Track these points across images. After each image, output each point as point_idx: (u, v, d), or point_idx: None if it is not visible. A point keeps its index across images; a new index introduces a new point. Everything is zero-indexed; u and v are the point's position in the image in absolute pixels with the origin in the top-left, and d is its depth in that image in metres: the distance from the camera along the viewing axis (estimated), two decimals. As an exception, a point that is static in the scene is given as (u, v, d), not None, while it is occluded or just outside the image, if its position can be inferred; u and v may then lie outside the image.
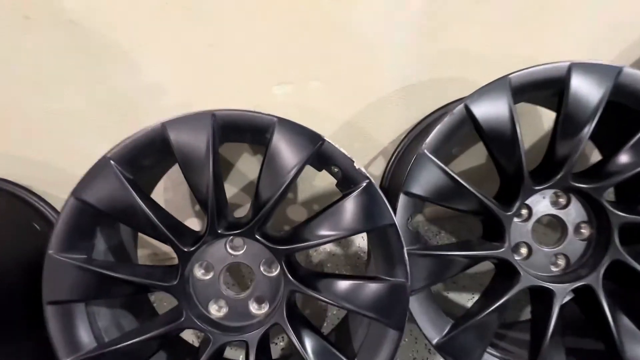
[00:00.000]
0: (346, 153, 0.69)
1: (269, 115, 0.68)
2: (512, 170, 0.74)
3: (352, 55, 0.90)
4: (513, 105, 0.71)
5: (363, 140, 1.07)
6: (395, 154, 1.03)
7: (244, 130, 0.68)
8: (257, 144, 0.72)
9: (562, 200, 0.79)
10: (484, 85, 0.72)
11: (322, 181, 1.14)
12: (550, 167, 0.76)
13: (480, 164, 1.20)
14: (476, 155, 1.18)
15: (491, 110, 0.71)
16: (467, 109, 0.71)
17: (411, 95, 1.00)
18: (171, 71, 0.87)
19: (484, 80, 0.99)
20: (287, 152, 0.68)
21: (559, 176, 0.73)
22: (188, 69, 0.88)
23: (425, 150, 0.71)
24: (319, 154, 0.69)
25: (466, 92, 1.02)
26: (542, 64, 0.71)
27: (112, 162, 0.67)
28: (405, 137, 1.04)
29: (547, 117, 1.11)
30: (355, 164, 0.69)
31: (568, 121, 0.71)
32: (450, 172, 0.72)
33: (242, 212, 1.16)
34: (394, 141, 1.09)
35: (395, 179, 0.97)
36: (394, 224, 0.69)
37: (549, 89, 0.72)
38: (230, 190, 1.13)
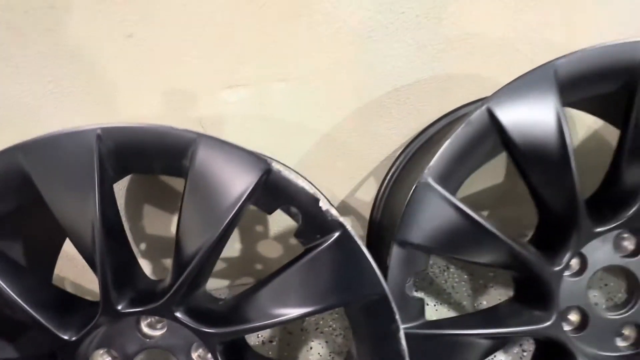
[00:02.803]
0: (307, 187, 0.45)
1: (186, 131, 0.44)
2: (560, 204, 0.50)
3: (329, 46, 0.67)
4: (561, 107, 0.47)
5: (348, 157, 0.83)
6: (388, 177, 0.79)
7: (151, 155, 0.45)
8: (172, 174, 0.48)
9: (630, 245, 0.55)
10: (515, 79, 0.48)
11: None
12: (613, 198, 0.51)
13: (496, 184, 0.96)
14: (491, 170, 0.94)
15: (528, 115, 0.47)
16: (491, 115, 0.47)
17: (409, 99, 0.76)
18: (65, 74, 0.63)
19: (506, 76, 0.76)
20: (215, 186, 0.44)
21: (629, 213, 0.49)
22: (97, 68, 0.65)
23: (429, 179, 0.47)
24: (266, 188, 0.45)
25: (480, 94, 0.79)
26: (603, 44, 0.47)
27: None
28: (401, 153, 0.80)
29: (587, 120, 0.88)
30: (321, 203, 0.45)
31: (644, 130, 0.47)
32: (467, 211, 0.48)
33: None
34: (389, 158, 0.85)
35: (388, 211, 0.73)
36: (384, 294, 0.45)
37: (615, 81, 0.48)
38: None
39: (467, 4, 0.67)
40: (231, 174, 0.44)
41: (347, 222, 0.45)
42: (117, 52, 0.63)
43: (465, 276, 1.08)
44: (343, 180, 0.87)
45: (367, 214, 0.85)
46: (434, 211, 0.47)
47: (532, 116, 0.47)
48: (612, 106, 0.56)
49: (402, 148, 0.82)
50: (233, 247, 0.98)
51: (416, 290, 1.02)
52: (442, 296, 0.98)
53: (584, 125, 0.88)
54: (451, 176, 0.49)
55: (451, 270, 1.07)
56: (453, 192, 0.49)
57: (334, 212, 0.44)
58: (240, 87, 0.69)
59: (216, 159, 0.44)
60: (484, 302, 1.00)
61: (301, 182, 0.44)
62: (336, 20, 0.65)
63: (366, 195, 0.93)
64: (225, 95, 0.70)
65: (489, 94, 0.79)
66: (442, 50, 0.71)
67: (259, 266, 1.03)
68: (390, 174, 0.80)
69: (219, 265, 1.03)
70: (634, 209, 0.49)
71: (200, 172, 0.44)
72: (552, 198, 0.50)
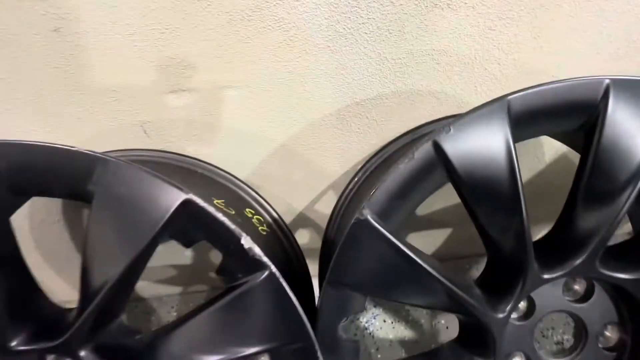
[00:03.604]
0: (228, 222, 0.40)
1: (90, 153, 0.39)
2: (509, 247, 0.47)
3: (283, 54, 0.62)
4: (512, 143, 0.43)
5: (305, 169, 0.79)
6: (346, 193, 0.75)
7: (49, 178, 0.39)
8: (77, 199, 0.43)
9: (580, 289, 0.52)
10: (467, 113, 0.44)
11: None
12: (565, 241, 0.48)
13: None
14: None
15: (477, 150, 0.43)
16: (438, 148, 0.44)
17: (370, 113, 0.72)
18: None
19: (472, 94, 0.73)
20: (125, 216, 0.39)
21: (579, 261, 0.46)
22: (18, 69, 0.58)
23: (368, 216, 0.43)
24: (183, 220, 0.40)
25: (444, 112, 0.75)
26: (561, 80, 0.44)
27: None
28: (361, 169, 0.76)
29: (550, 146, 0.85)
30: (243, 241, 0.40)
31: (600, 174, 0.44)
32: (407, 252, 0.44)
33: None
34: (349, 172, 0.81)
35: (344, 229, 0.69)
36: (310, 341, 0.41)
37: (571, 120, 0.44)
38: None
39: (432, 19, 0.63)
40: (143, 203, 0.39)
41: (272, 264, 0.40)
42: (44, 48, 0.57)
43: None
44: (301, 192, 0.83)
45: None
46: (372, 250, 0.44)
47: (482, 151, 0.43)
48: (570, 140, 0.53)
49: (362, 163, 0.78)
50: (184, 255, 0.93)
51: (374, 306, 1.00)
52: (400, 313, 0.95)
53: (552, 147, 0.85)
54: (393, 212, 0.45)
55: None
56: (395, 229, 0.45)
57: (257, 250, 0.40)
58: (185, 92, 0.64)
59: (127, 186, 0.39)
60: (442, 321, 0.98)
61: (222, 217, 0.39)
62: (290, 27, 0.60)
63: (326, 208, 0.89)
64: (169, 100, 0.65)
65: (454, 112, 0.76)
66: (405, 65, 0.66)
67: (212, 274, 0.99)
68: (348, 190, 0.76)
69: (170, 273, 0.98)
70: (584, 257, 0.46)
71: (107, 200, 0.39)
72: (500, 239, 0.47)
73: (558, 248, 0.49)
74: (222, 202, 0.62)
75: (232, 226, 0.39)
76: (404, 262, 0.44)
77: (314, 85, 0.67)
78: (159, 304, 1.04)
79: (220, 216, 0.39)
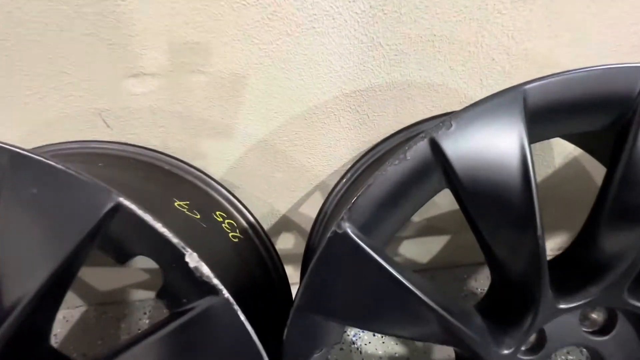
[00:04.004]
0: (169, 235, 0.32)
1: (-5, 143, 0.31)
2: (518, 268, 0.39)
3: (261, 35, 0.54)
4: (528, 144, 0.35)
5: (288, 168, 0.71)
6: (332, 196, 0.67)
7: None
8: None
9: (599, 318, 0.44)
10: (472, 105, 0.36)
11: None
12: (585, 263, 0.40)
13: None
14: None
15: (483, 151, 0.35)
16: (435, 147, 0.36)
17: (361, 107, 0.64)
18: None
19: (477, 88, 0.65)
20: (37, 224, 0.31)
21: (604, 287, 0.38)
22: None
23: (348, 229, 0.35)
24: (113, 231, 0.32)
25: (444, 107, 0.67)
26: (589, 68, 0.36)
27: None
28: (350, 169, 0.68)
29: (568, 145, 0.77)
30: (187, 258, 0.32)
31: (634, 186, 0.36)
32: (390, 270, 0.36)
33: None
34: (337, 172, 0.73)
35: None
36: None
37: (600, 117, 0.36)
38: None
39: (434, -2, 0.55)
40: (61, 208, 0.31)
41: (223, 288, 0.32)
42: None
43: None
44: (283, 192, 0.75)
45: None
46: (351, 271, 0.35)
47: (489, 153, 0.35)
48: (596, 142, 0.45)
49: (352, 163, 0.70)
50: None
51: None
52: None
53: (564, 150, 0.77)
54: (379, 224, 0.37)
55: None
56: (381, 245, 0.37)
57: (205, 270, 0.32)
58: (147, 76, 0.56)
59: (41, 186, 0.31)
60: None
61: (162, 228, 0.31)
62: (269, 3, 0.52)
63: (311, 211, 0.81)
64: (130, 85, 0.56)
65: (455, 108, 0.68)
66: (402, 52, 0.58)
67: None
68: (335, 192, 0.68)
69: (143, 276, 0.91)
70: (609, 284, 0.38)
71: (15, 203, 0.31)
72: (508, 260, 0.39)
73: (577, 271, 0.41)
74: (186, 203, 0.54)
75: (174, 239, 0.31)
76: (389, 286, 0.36)
77: (296, 72, 0.58)
78: (131, 309, 0.96)
79: (159, 226, 0.31)
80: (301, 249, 0.71)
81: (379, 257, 0.35)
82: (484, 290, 1.00)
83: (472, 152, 0.35)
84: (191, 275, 0.32)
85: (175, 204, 0.51)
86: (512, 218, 0.36)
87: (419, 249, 0.96)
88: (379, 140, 0.68)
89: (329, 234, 0.35)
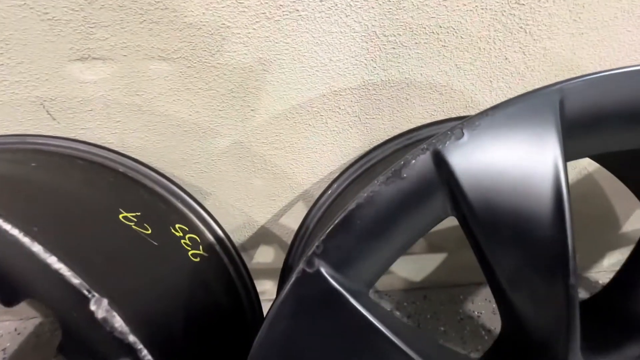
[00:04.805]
0: (68, 273, 0.23)
1: None
2: (540, 319, 0.30)
3: (235, 18, 0.45)
4: (563, 162, 0.27)
5: (267, 174, 0.62)
6: (315, 208, 0.59)
7: None
8: None
9: (635, 379, 0.36)
10: (491, 108, 0.28)
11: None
12: (624, 313, 0.32)
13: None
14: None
15: (502, 170, 0.27)
16: (440, 162, 0.27)
17: (351, 107, 0.55)
18: None
19: (486, 91, 0.56)
20: None
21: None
22: None
23: (321, 267, 0.27)
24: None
25: (448, 112, 0.59)
26: (647, 65, 0.27)
27: None
28: (337, 178, 0.60)
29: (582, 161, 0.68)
30: (92, 306, 0.23)
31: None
32: (376, 324, 0.27)
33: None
34: (323, 181, 0.65)
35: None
36: None
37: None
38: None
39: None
40: None
41: (142, 347, 0.23)
42: None
43: (411, 323, 0.90)
44: (262, 201, 0.66)
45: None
46: (322, 325, 0.27)
47: (511, 173, 0.27)
48: (632, 165, 0.36)
49: (339, 172, 0.61)
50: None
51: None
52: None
53: (577, 164, 0.69)
54: (362, 259, 0.28)
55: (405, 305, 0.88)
56: (365, 288, 0.28)
57: (117, 322, 0.23)
58: (98, 60, 0.47)
59: None
60: None
61: (57, 262, 0.23)
62: (245, -20, 0.43)
63: (293, 222, 0.72)
64: (77, 71, 0.47)
65: (460, 113, 0.60)
66: (401, 44, 0.50)
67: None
68: (318, 206, 0.60)
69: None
70: (656, 345, 0.30)
71: None
72: (528, 308, 0.30)
73: (611, 322, 0.33)
74: (135, 215, 0.45)
75: (75, 280, 0.23)
76: (374, 342, 0.28)
77: (277, 64, 0.50)
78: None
79: (52, 260, 0.22)
80: (282, 262, 0.63)
81: (361, 307, 0.27)
82: (481, 313, 0.92)
83: (488, 170, 0.27)
84: (97, 328, 0.23)
85: (121, 216, 0.42)
86: (537, 259, 0.28)
87: (414, 267, 0.88)
88: (370, 147, 0.59)
89: (294, 274, 0.26)
